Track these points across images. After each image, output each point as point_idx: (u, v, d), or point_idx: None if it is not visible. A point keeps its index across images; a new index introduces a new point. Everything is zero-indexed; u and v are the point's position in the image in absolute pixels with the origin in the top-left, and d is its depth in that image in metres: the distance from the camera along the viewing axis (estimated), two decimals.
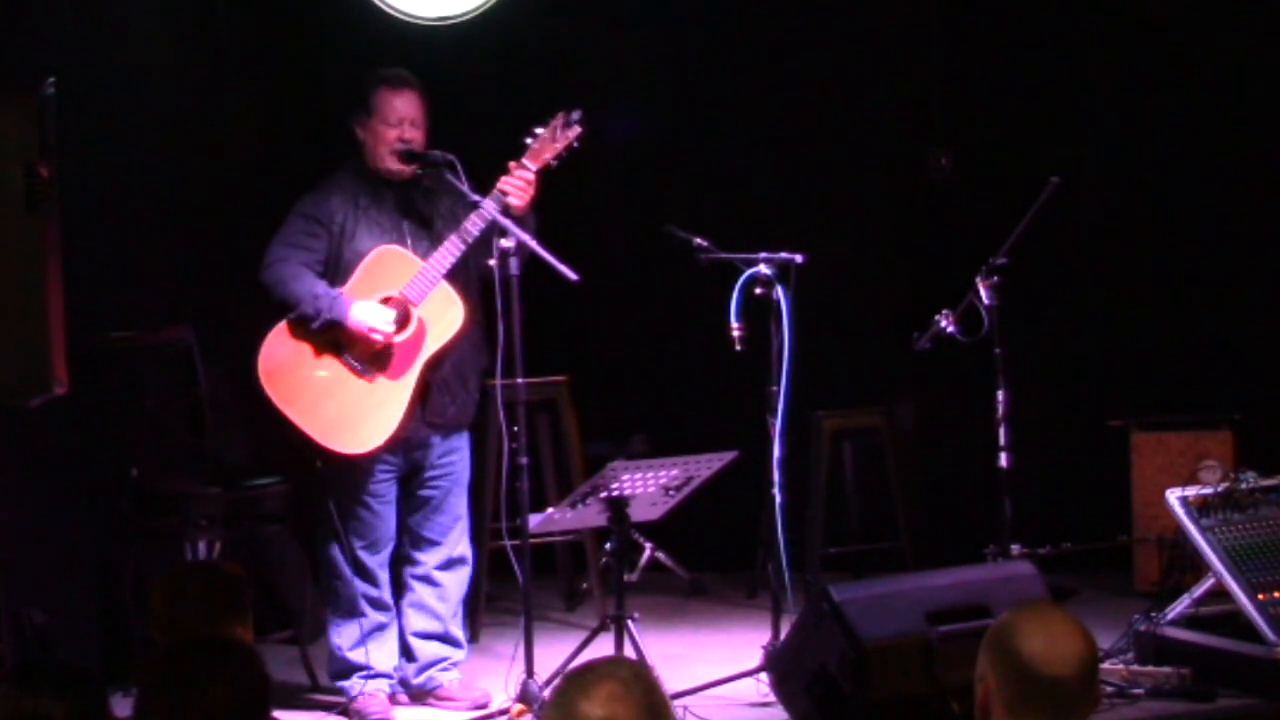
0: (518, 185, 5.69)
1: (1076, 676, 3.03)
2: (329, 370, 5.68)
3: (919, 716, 5.20)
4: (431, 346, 5.72)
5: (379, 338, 5.64)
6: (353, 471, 5.75)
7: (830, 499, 7.51)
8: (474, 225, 5.67)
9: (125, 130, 6.56)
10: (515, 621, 5.90)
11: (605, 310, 7.70)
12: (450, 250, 5.67)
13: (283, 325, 5.69)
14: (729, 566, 7.66)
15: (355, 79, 5.94)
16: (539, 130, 5.78)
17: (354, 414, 5.65)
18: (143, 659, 4.01)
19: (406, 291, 5.69)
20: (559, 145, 5.77)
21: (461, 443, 5.96)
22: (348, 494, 5.78)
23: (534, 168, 5.72)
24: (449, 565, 5.96)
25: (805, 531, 7.26)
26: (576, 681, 2.79)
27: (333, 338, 5.67)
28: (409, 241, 5.78)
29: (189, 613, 3.88)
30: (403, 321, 5.68)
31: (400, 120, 5.79)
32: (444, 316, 5.72)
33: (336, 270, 5.73)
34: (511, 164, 5.74)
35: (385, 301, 5.69)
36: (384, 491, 5.83)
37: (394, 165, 5.80)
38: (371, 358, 5.69)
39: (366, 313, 5.64)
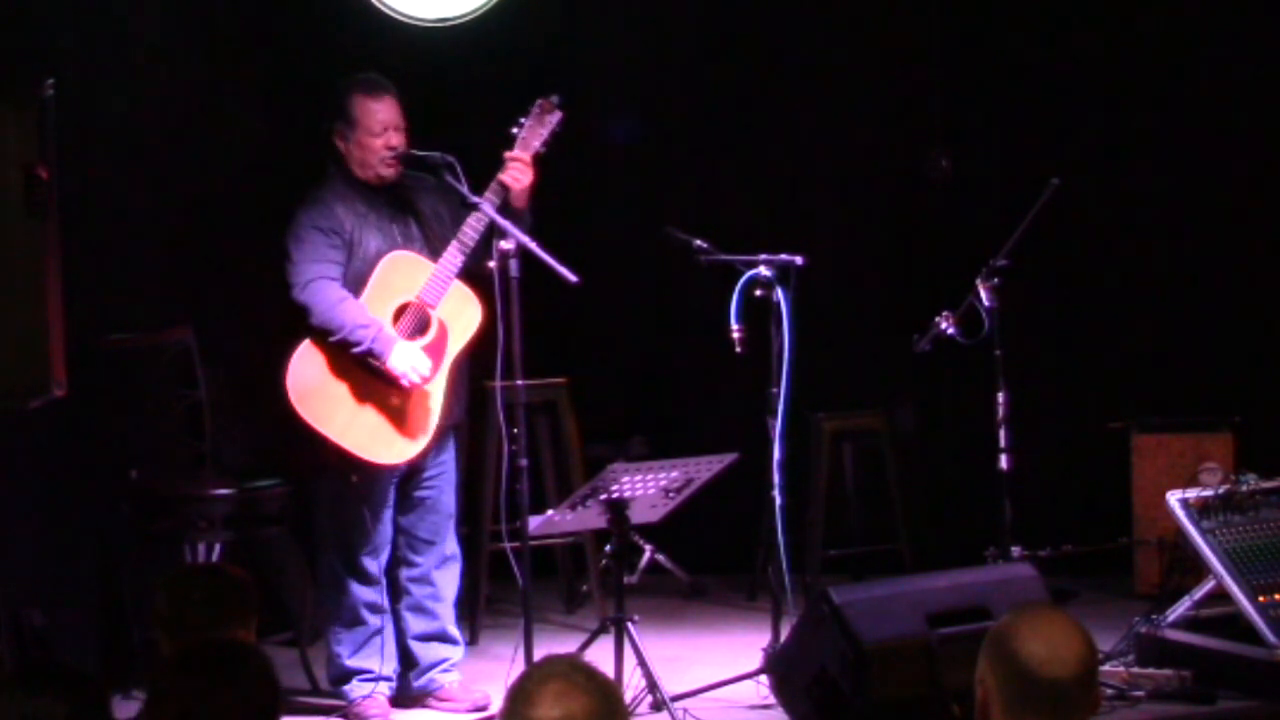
0: (515, 171, 5.70)
1: (1076, 679, 3.03)
2: (360, 385, 5.65)
3: (919, 719, 5.19)
4: (455, 347, 5.73)
5: (406, 384, 5.62)
6: (383, 482, 5.76)
7: (830, 501, 7.51)
8: (473, 229, 5.67)
9: (125, 130, 6.55)
10: (515, 624, 5.89)
11: (605, 311, 7.70)
12: (457, 252, 5.67)
13: (306, 344, 5.64)
14: (729, 569, 7.65)
15: (328, 88, 5.90)
16: (523, 120, 5.79)
17: (389, 424, 5.66)
18: (152, 663, 3.98)
19: (423, 295, 5.69)
20: (545, 131, 5.78)
21: (451, 442, 5.96)
22: (373, 504, 5.76)
23: (526, 157, 5.73)
24: (443, 563, 5.96)
25: (805, 533, 7.25)
26: (520, 694, 2.72)
27: None
28: (400, 243, 5.78)
29: (194, 615, 3.87)
30: (423, 326, 5.69)
31: (384, 128, 5.76)
32: (463, 315, 5.73)
33: (346, 279, 5.70)
34: (506, 154, 5.74)
35: (403, 308, 5.69)
36: (389, 497, 5.83)
37: (385, 172, 5.78)
38: None
39: (407, 358, 5.61)
